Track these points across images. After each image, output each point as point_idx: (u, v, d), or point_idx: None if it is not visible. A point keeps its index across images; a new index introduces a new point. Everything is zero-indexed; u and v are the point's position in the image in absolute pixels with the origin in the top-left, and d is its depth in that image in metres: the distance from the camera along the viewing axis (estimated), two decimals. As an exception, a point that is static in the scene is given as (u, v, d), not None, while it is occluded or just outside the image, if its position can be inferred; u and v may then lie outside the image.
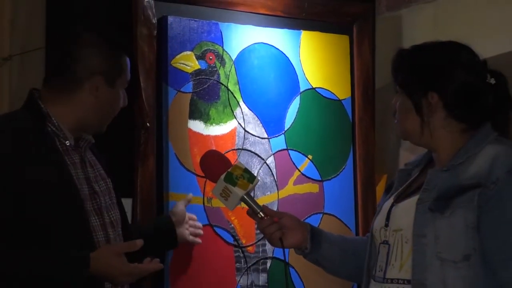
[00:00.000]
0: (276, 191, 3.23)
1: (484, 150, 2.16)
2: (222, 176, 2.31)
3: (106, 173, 2.49)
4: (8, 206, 2.25)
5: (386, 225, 2.26)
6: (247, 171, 2.34)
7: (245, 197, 2.30)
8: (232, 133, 3.16)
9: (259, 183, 2.93)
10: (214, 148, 3.08)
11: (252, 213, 2.32)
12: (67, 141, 2.37)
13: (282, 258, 3.16)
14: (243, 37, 3.21)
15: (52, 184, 2.30)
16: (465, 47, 2.25)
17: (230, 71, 3.17)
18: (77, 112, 2.40)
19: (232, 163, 2.39)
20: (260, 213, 2.33)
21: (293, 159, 3.29)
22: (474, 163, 2.15)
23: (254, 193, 3.12)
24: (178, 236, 2.82)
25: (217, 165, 2.36)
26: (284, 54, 3.30)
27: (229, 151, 3.13)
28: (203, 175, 3.05)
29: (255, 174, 2.85)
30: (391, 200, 2.30)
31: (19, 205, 2.26)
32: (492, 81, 2.21)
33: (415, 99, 2.23)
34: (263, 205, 2.37)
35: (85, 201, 2.35)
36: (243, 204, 2.36)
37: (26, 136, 2.34)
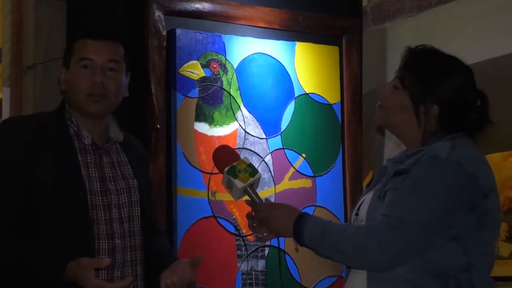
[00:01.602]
0: (273, 186, 3.24)
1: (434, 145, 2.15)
2: (226, 169, 2.31)
3: (135, 173, 2.41)
4: (19, 193, 2.24)
5: (356, 215, 2.23)
6: (250, 166, 2.33)
7: (248, 189, 2.29)
8: (234, 134, 3.17)
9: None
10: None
11: (252, 203, 2.30)
12: (85, 140, 2.33)
13: (279, 246, 3.19)
14: (244, 47, 3.22)
15: (60, 178, 2.26)
16: (465, 64, 2.21)
17: (232, 78, 3.17)
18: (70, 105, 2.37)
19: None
20: (261, 203, 2.32)
21: (288, 157, 3.29)
22: (419, 154, 2.14)
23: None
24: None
25: (226, 158, 2.34)
26: (280, 63, 3.31)
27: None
28: (208, 171, 3.08)
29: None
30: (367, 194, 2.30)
31: (29, 192, 2.24)
32: (478, 102, 2.17)
33: (416, 103, 2.17)
34: (265, 198, 2.36)
35: (93, 196, 2.30)
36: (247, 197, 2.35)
37: (47, 133, 2.31)
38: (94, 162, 2.34)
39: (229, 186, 2.30)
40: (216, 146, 3.06)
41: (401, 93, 2.20)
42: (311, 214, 2.21)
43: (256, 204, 2.27)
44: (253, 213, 2.26)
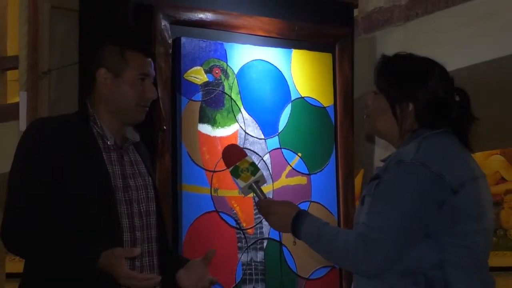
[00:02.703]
0: (271, 183, 3.24)
1: (403, 147, 2.14)
2: (230, 169, 2.32)
3: (148, 171, 2.44)
4: (50, 189, 2.24)
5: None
6: (253, 164, 2.32)
7: (253, 185, 2.30)
8: (235, 134, 3.17)
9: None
10: (220, 147, 3.09)
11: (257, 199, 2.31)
12: (108, 141, 2.35)
13: (277, 239, 3.20)
14: (244, 54, 3.23)
15: (89, 175, 2.28)
16: (440, 65, 2.20)
17: (233, 83, 3.18)
18: (102, 106, 2.36)
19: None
20: (264, 199, 2.32)
21: (285, 156, 3.30)
22: (389, 158, 2.14)
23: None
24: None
25: (231, 157, 2.36)
26: (278, 69, 3.31)
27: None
28: (211, 169, 3.09)
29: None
30: None
31: (60, 189, 2.24)
32: (457, 98, 2.16)
33: (392, 104, 2.17)
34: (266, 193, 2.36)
35: (117, 192, 2.32)
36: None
37: (73, 133, 2.32)
38: (117, 160, 2.36)
39: (235, 182, 2.33)
40: (218, 146, 3.09)
41: (379, 97, 2.20)
42: (308, 212, 2.21)
43: (259, 200, 2.28)
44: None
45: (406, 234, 2.04)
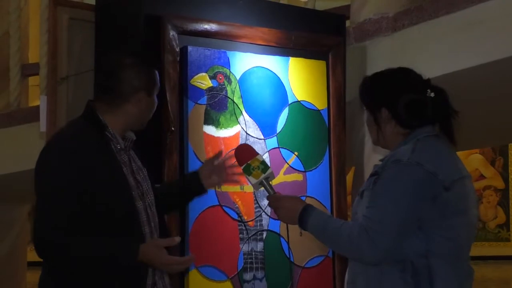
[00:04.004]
0: (270, 179, 3.24)
1: (400, 148, 2.18)
2: (242, 167, 2.35)
3: (142, 164, 2.45)
4: (74, 196, 2.22)
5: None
6: (263, 163, 2.35)
7: (263, 181, 2.33)
8: (237, 135, 3.17)
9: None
10: (223, 147, 3.09)
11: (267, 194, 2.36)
12: (118, 145, 2.35)
13: (275, 231, 3.20)
14: (245, 62, 3.22)
15: (109, 179, 2.28)
16: (409, 70, 2.25)
17: (235, 88, 3.18)
18: (124, 120, 2.35)
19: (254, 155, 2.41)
20: (273, 194, 2.35)
21: (283, 155, 3.30)
22: (387, 157, 2.18)
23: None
24: (205, 185, 2.62)
25: (244, 156, 2.38)
26: (276, 75, 3.31)
27: (234, 149, 3.12)
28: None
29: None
30: None
31: (84, 196, 2.23)
32: (432, 95, 2.18)
33: (373, 114, 2.24)
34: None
35: (132, 190, 2.33)
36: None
37: (93, 145, 2.31)
38: (128, 161, 2.38)
39: (247, 179, 2.36)
40: (221, 146, 3.09)
41: (367, 113, 2.27)
42: (313, 206, 2.24)
43: (269, 195, 2.32)
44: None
45: (404, 226, 2.07)
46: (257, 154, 2.39)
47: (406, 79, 2.22)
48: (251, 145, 2.66)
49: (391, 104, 2.19)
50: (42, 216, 2.23)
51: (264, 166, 2.34)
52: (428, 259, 2.07)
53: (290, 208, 2.24)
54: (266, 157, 3.23)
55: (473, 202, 2.18)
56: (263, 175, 2.32)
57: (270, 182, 2.35)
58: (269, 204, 2.33)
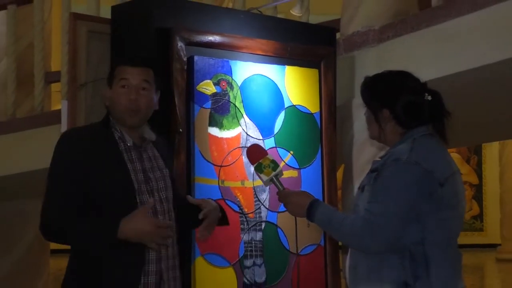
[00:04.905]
0: (268, 176, 3.23)
1: (398, 146, 2.16)
2: (254, 165, 2.35)
3: (166, 164, 2.43)
4: (80, 182, 2.24)
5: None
6: (273, 161, 2.36)
7: (273, 178, 2.33)
8: (238, 136, 3.16)
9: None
10: (226, 147, 3.08)
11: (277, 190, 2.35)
12: (128, 143, 2.34)
13: (272, 222, 3.19)
14: (246, 70, 3.21)
15: (112, 173, 2.28)
16: (409, 74, 2.23)
17: (237, 94, 3.17)
18: (112, 113, 2.37)
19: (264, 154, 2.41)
20: (283, 190, 2.34)
21: (280, 154, 3.29)
22: (387, 155, 2.17)
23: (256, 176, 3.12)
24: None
25: (255, 155, 2.38)
26: (274, 82, 3.30)
27: (236, 148, 3.13)
28: (219, 164, 3.07)
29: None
30: None
31: (88, 182, 2.24)
32: (429, 98, 2.17)
33: (374, 113, 2.21)
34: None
35: (140, 184, 2.30)
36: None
37: (98, 140, 2.32)
38: (137, 158, 2.35)
39: (260, 178, 2.37)
40: (224, 146, 3.08)
41: (367, 110, 2.25)
42: (319, 200, 2.24)
43: (278, 191, 2.32)
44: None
45: (403, 220, 2.07)
46: (267, 153, 2.39)
47: (407, 83, 2.20)
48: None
49: (393, 105, 2.17)
50: (43, 202, 2.27)
51: (274, 164, 2.34)
52: (424, 247, 2.08)
53: (298, 202, 2.24)
54: (265, 155, 3.22)
55: (462, 195, 2.18)
56: (273, 173, 2.33)
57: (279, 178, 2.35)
58: (279, 199, 2.32)
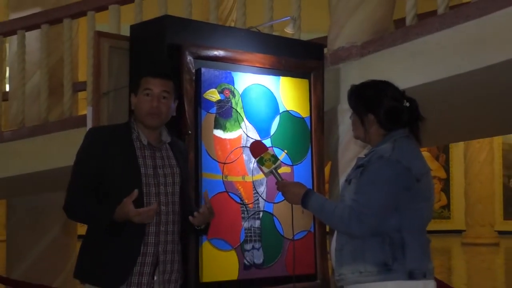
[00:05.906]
0: (265, 171, 3.22)
1: (381, 146, 2.16)
2: (256, 159, 2.34)
3: (178, 163, 2.40)
4: (95, 170, 2.28)
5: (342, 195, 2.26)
6: (274, 156, 2.35)
7: (273, 171, 2.32)
8: (239, 137, 3.15)
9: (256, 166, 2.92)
10: (229, 146, 3.08)
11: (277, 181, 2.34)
12: (143, 142, 2.35)
13: (269, 211, 3.19)
14: (246, 80, 3.20)
15: (123, 163, 2.30)
16: (390, 83, 2.23)
17: (238, 100, 3.16)
18: (137, 118, 2.39)
19: (265, 150, 2.39)
20: (281, 181, 2.33)
21: (275, 152, 3.28)
22: (372, 153, 2.16)
23: (258, 171, 3.10)
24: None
25: (258, 150, 2.37)
26: (270, 90, 3.29)
27: (237, 148, 3.12)
28: (222, 161, 3.07)
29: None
30: None
31: (103, 170, 2.28)
32: (407, 104, 2.17)
33: (360, 117, 2.21)
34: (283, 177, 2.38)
35: (148, 178, 2.31)
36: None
37: (117, 137, 2.35)
38: (150, 156, 2.35)
39: (261, 170, 2.36)
40: (227, 145, 3.08)
41: (353, 114, 2.24)
42: (313, 191, 2.23)
43: (277, 181, 2.31)
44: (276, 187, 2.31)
45: (384, 209, 2.07)
46: (268, 149, 2.38)
47: (389, 90, 2.19)
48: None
49: (377, 110, 2.17)
50: (67, 186, 2.34)
51: (274, 158, 2.34)
52: (401, 233, 2.09)
53: (294, 192, 2.23)
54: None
55: (433, 189, 2.20)
56: (273, 166, 2.33)
57: (279, 171, 2.34)
58: (277, 189, 2.31)
